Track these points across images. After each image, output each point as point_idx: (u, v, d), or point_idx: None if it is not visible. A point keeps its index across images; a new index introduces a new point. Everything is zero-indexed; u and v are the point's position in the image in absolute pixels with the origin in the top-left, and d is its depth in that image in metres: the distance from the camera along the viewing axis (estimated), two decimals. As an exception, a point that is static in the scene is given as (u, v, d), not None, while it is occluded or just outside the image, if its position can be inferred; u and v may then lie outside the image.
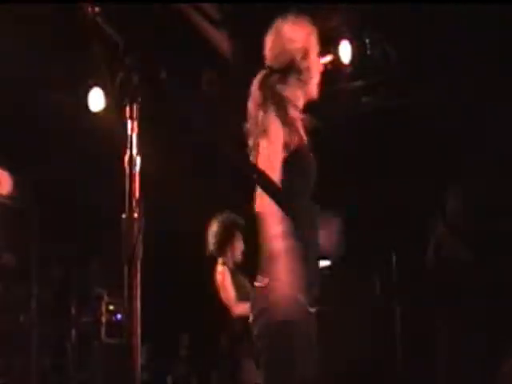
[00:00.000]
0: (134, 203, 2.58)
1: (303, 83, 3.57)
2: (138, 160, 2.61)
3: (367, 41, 7.69)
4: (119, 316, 8.26)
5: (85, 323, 8.23)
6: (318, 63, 3.64)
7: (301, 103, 3.61)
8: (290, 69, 3.54)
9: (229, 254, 6.48)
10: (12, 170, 7.87)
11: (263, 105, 3.49)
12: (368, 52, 7.70)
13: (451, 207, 7.34)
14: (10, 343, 7.69)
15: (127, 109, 2.63)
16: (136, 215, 2.58)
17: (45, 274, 8.41)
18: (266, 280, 3.31)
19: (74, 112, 8.49)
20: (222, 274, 6.38)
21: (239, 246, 6.53)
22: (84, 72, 7.80)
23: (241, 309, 6.28)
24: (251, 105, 3.58)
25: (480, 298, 6.87)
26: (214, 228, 6.53)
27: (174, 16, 6.66)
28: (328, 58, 7.43)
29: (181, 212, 8.47)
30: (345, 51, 7.65)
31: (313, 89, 3.62)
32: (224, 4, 7.16)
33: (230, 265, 6.48)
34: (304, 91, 3.60)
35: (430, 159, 7.85)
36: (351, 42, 7.66)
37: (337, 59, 7.65)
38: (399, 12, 7.06)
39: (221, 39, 7.24)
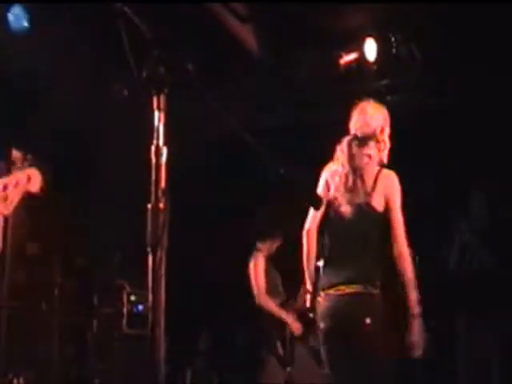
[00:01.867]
0: (160, 193, 2.60)
1: (379, 150, 4.67)
2: (165, 150, 2.64)
3: (393, 39, 7.67)
4: (140, 307, 8.29)
5: (106, 313, 8.26)
6: (388, 139, 4.77)
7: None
8: (370, 138, 4.63)
9: (267, 244, 6.50)
10: (35, 158, 7.94)
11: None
12: (393, 51, 7.68)
13: (475, 210, 7.32)
14: (32, 331, 7.75)
15: (154, 99, 2.66)
16: (162, 205, 2.60)
17: (68, 262, 8.47)
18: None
19: (97, 102, 8.56)
20: (257, 261, 6.41)
21: (279, 241, 6.57)
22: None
23: (266, 301, 6.31)
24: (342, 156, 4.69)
25: (502, 304, 6.87)
26: (267, 213, 6.57)
27: (202, 11, 6.69)
28: (353, 56, 7.47)
29: (208, 205, 8.49)
30: (370, 49, 7.64)
31: (385, 155, 4.74)
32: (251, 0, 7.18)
33: (265, 253, 6.50)
34: (379, 157, 4.67)
35: (455, 160, 7.81)
36: (376, 40, 7.64)
37: (362, 57, 7.64)
38: (425, 10, 7.05)
39: (247, 35, 7.26)
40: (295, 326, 6.35)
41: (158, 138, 2.64)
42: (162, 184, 2.62)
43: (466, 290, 7.36)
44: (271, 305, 6.38)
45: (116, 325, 8.18)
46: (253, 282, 6.43)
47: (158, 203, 2.60)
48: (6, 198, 3.30)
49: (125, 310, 8.10)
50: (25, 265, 7.79)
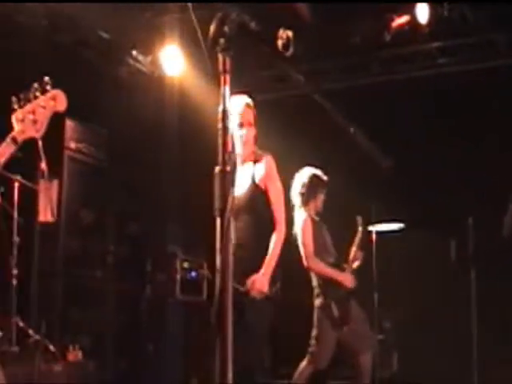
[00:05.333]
0: (226, 156, 2.59)
1: None
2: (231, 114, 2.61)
3: (445, 2, 7.57)
4: (194, 273, 8.33)
5: (159, 280, 8.31)
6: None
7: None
8: None
9: (311, 206, 6.47)
10: (89, 126, 8.01)
11: None
12: (445, 13, 7.57)
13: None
14: (87, 298, 7.82)
15: (220, 62, 2.64)
16: (228, 169, 2.59)
17: (121, 230, 8.52)
18: None
19: (150, 70, 8.61)
20: (306, 222, 6.38)
21: (322, 198, 6.53)
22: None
23: (316, 263, 6.29)
24: None
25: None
26: (300, 180, 6.53)
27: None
28: (405, 19, 7.37)
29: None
30: (422, 12, 7.55)
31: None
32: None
33: (313, 215, 6.47)
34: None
35: (508, 126, 7.71)
36: (429, 3, 7.55)
37: (414, 20, 7.56)
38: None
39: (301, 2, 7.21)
40: (347, 280, 6.31)
41: (224, 102, 2.61)
42: (229, 147, 2.60)
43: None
44: (321, 266, 6.34)
45: (169, 291, 8.22)
46: (300, 245, 6.40)
47: (225, 166, 2.59)
48: (36, 122, 3.30)
49: (178, 277, 8.14)
50: (79, 232, 7.84)
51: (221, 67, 2.63)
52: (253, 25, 2.71)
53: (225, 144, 2.59)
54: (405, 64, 8.44)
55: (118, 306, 8.32)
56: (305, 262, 6.30)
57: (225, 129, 2.59)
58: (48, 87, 3.34)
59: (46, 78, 3.34)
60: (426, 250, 8.11)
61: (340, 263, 6.43)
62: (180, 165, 8.84)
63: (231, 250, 2.57)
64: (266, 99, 8.06)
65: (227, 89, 2.62)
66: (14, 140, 3.26)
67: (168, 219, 8.83)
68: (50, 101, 3.33)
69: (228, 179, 2.58)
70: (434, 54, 8.29)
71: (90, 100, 7.62)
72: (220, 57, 2.62)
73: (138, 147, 8.57)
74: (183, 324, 8.51)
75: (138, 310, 8.38)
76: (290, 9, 7.04)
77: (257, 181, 4.69)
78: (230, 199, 2.57)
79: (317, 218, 6.49)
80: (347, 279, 6.31)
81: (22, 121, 3.29)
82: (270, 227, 4.66)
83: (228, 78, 2.63)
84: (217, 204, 2.58)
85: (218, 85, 2.64)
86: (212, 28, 2.64)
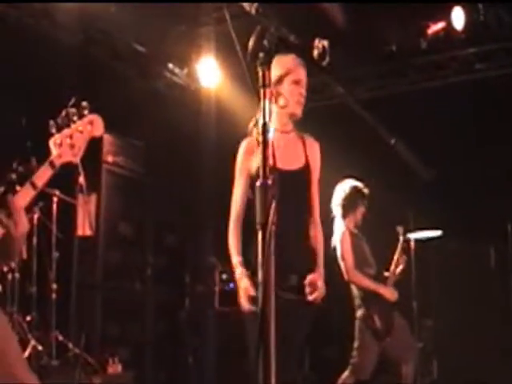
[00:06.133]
0: (267, 170, 2.58)
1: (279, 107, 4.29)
2: (272, 127, 2.60)
3: (480, 6, 7.52)
4: (232, 285, 8.33)
5: (198, 292, 8.33)
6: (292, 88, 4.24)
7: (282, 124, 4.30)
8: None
9: (351, 218, 6.45)
10: (126, 140, 8.05)
11: None
12: (481, 18, 7.52)
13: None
14: (126, 310, 7.85)
15: (260, 76, 2.63)
16: (270, 182, 2.58)
17: (160, 242, 8.55)
18: None
19: (186, 82, 8.64)
20: (344, 235, 6.36)
21: (362, 211, 6.51)
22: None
23: (356, 277, 6.26)
24: None
25: None
26: (340, 191, 6.52)
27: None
28: (440, 25, 7.33)
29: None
30: (458, 17, 7.51)
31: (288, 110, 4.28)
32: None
33: (352, 228, 6.45)
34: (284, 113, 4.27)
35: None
36: (464, 8, 7.51)
37: (450, 26, 7.52)
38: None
39: (335, 10, 7.20)
40: (389, 294, 6.28)
41: (264, 115, 2.61)
42: (270, 161, 2.59)
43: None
44: (361, 279, 6.32)
45: (208, 303, 8.23)
46: (340, 259, 6.38)
47: (266, 180, 2.58)
48: (73, 146, 3.30)
49: (217, 289, 8.15)
50: (118, 245, 7.88)
51: (261, 81, 2.62)
52: (292, 38, 2.71)
53: (266, 157, 2.58)
54: (441, 70, 8.39)
55: (157, 318, 8.35)
56: (345, 275, 6.28)
57: (265, 142, 2.58)
58: (85, 112, 3.35)
59: (84, 103, 3.35)
60: (466, 258, 8.04)
61: (381, 273, 6.40)
62: (217, 176, 8.84)
63: (273, 263, 2.56)
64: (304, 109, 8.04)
65: (267, 103, 2.62)
66: (52, 164, 3.25)
67: (206, 231, 8.83)
68: (88, 125, 3.34)
69: (270, 193, 2.57)
70: (470, 60, 8.23)
71: (127, 113, 7.66)
72: (260, 71, 2.63)
73: (175, 160, 8.60)
74: (222, 336, 8.51)
75: (177, 322, 8.40)
76: (325, 16, 7.04)
77: (310, 162, 4.34)
78: (271, 213, 2.57)
79: (355, 231, 6.46)
80: (388, 292, 6.27)
81: (60, 145, 3.29)
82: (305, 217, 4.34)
83: (268, 91, 2.62)
84: (258, 218, 2.57)
85: (256, 98, 2.64)
86: (251, 42, 2.64)
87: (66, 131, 3.31)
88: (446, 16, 7.46)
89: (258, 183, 2.57)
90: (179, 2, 7.29)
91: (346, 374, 6.25)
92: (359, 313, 6.27)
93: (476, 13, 7.51)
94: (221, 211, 8.89)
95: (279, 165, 4.00)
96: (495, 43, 8.00)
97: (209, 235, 8.81)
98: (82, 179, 6.35)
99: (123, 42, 8.01)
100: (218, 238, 8.82)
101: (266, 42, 2.62)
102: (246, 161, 4.28)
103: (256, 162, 4.05)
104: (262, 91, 2.62)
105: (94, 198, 7.55)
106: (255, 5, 2.66)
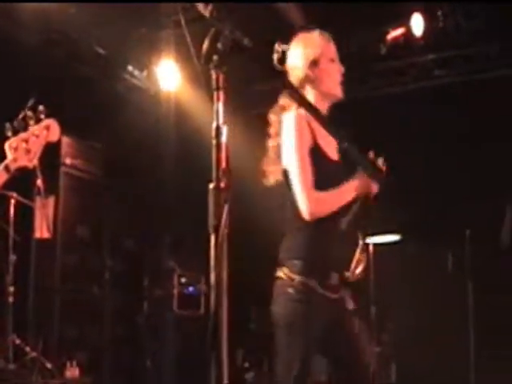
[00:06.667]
0: (220, 173, 2.58)
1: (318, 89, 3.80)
2: (225, 130, 2.61)
3: (439, 13, 7.59)
4: (191, 289, 8.33)
5: (157, 295, 8.32)
6: (330, 67, 3.81)
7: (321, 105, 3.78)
8: (301, 80, 3.77)
9: None
10: (85, 142, 8.01)
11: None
12: (440, 25, 7.60)
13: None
14: (84, 314, 7.81)
15: (213, 79, 2.64)
16: (223, 185, 2.58)
17: (118, 245, 8.51)
18: None
19: (145, 85, 8.61)
20: None
21: None
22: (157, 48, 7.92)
23: None
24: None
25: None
26: None
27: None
28: (400, 31, 7.38)
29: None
30: (417, 24, 7.57)
31: (329, 90, 3.82)
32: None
33: None
34: (322, 94, 3.78)
35: (505, 135, 7.70)
36: (423, 15, 7.57)
37: (409, 32, 7.58)
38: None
39: (292, 10, 7.21)
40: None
41: (217, 118, 2.61)
42: (223, 164, 2.59)
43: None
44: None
45: (167, 307, 8.22)
46: None
47: (219, 183, 2.58)
48: (29, 151, 3.31)
49: (175, 292, 8.13)
50: (76, 248, 7.83)
51: (214, 84, 2.63)
52: (246, 41, 2.71)
53: (219, 160, 2.58)
54: (401, 76, 8.44)
55: (116, 322, 8.30)
56: None
57: (219, 145, 2.59)
58: (42, 116, 3.34)
59: (41, 107, 3.33)
60: (424, 262, 8.09)
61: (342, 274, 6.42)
62: (176, 180, 8.83)
63: (225, 266, 2.57)
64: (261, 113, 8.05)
65: (220, 105, 2.63)
66: (7, 168, 3.25)
67: (165, 234, 8.82)
68: (44, 130, 3.33)
69: (222, 196, 2.57)
70: (429, 66, 8.30)
71: (86, 115, 7.63)
72: (213, 73, 2.63)
73: (135, 162, 8.57)
74: (181, 339, 8.49)
75: (136, 326, 8.36)
76: (283, 18, 7.05)
77: None
78: (224, 216, 2.57)
79: None
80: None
81: (16, 149, 3.28)
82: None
83: (221, 94, 2.63)
84: (210, 221, 2.57)
85: (212, 101, 2.64)
86: (205, 44, 2.64)
87: (22, 135, 3.31)
88: (406, 22, 7.52)
89: (210, 186, 2.58)
90: (144, 3, 7.29)
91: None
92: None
93: (435, 19, 7.58)
94: (180, 215, 8.93)
95: (329, 155, 3.74)
96: (454, 50, 8.08)
97: (167, 238, 8.80)
98: (39, 181, 6.32)
99: (84, 44, 7.97)
100: (177, 242, 8.85)
101: (220, 45, 2.63)
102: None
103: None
104: (215, 94, 2.63)
105: (52, 200, 7.49)
106: (209, 8, 2.66)
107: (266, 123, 3.80)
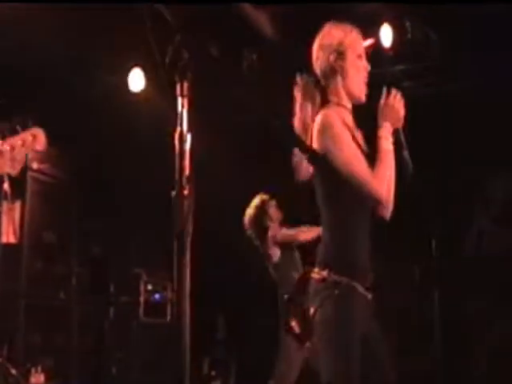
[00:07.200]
0: (184, 180, 2.58)
1: (342, 83, 3.70)
2: (189, 137, 2.61)
3: (408, 24, 7.62)
4: (157, 296, 8.31)
5: (123, 302, 8.29)
6: (357, 63, 3.75)
7: (346, 102, 3.74)
8: (326, 71, 3.69)
9: (272, 231, 6.53)
10: (52, 147, 7.96)
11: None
12: (409, 36, 7.63)
13: (493, 197, 7.28)
14: (50, 319, 7.76)
15: (178, 86, 2.64)
16: (186, 192, 2.58)
17: (85, 251, 8.48)
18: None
19: (115, 91, 8.57)
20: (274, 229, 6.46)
21: (276, 218, 6.60)
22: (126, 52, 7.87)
23: (305, 235, 6.33)
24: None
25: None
26: (248, 218, 6.62)
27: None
28: (368, 42, 7.43)
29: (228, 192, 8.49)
30: (386, 35, 7.59)
31: (354, 87, 3.76)
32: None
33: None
34: (346, 90, 3.72)
35: (472, 147, 7.75)
36: (392, 26, 7.60)
37: (378, 43, 7.61)
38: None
39: (262, 20, 7.22)
40: None
41: (181, 125, 2.61)
42: (186, 171, 2.59)
43: (482, 276, 7.34)
44: (307, 232, 6.40)
45: (133, 314, 8.19)
46: (281, 237, 6.52)
47: (183, 190, 2.58)
48: (13, 159, 3.27)
49: (142, 299, 8.11)
50: (42, 253, 7.78)
51: (178, 91, 2.63)
52: (213, 49, 2.72)
53: (182, 168, 2.58)
54: (369, 87, 8.46)
55: (82, 328, 8.25)
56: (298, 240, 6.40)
57: (182, 152, 2.59)
58: (29, 123, 3.32)
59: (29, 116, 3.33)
60: (390, 274, 8.13)
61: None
62: (144, 185, 8.80)
63: (188, 274, 2.56)
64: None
65: (185, 112, 2.63)
66: None
67: (132, 240, 8.79)
68: (30, 138, 3.30)
69: (185, 203, 2.57)
70: (398, 78, 8.33)
71: (54, 120, 7.58)
72: (177, 80, 2.63)
73: (101, 168, 8.54)
74: (147, 346, 8.46)
75: (102, 332, 8.32)
76: (253, 27, 7.06)
77: None
78: (188, 223, 2.57)
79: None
80: None
81: (1, 155, 3.26)
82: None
83: (186, 101, 2.63)
84: (174, 227, 2.57)
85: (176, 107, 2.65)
86: (169, 51, 2.65)
87: (9, 141, 3.30)
88: (375, 33, 7.54)
89: (172, 193, 2.58)
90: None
91: (270, 383, 6.28)
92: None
93: (404, 31, 7.61)
94: (146, 221, 8.90)
95: (363, 148, 3.67)
96: (422, 61, 8.12)
97: (134, 245, 8.77)
98: (6, 186, 6.29)
99: (54, 48, 7.92)
100: (144, 248, 8.83)
101: (184, 53, 2.63)
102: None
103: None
104: (179, 101, 2.63)
105: (18, 205, 7.45)
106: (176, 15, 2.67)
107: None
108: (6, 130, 3.33)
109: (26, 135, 3.29)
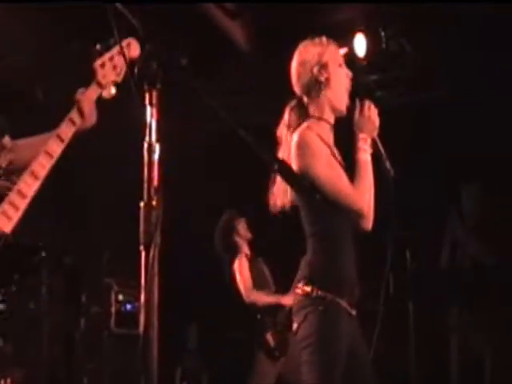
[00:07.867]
0: (152, 191, 2.56)
1: (326, 96, 3.74)
2: (158, 147, 2.59)
3: (382, 34, 7.64)
4: (129, 306, 8.26)
5: (94, 312, 8.22)
6: (339, 72, 3.81)
7: (328, 116, 3.79)
8: (309, 86, 3.75)
9: (243, 246, 6.50)
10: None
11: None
12: (383, 45, 7.65)
13: (467, 207, 7.29)
14: (20, 330, 7.68)
15: (146, 95, 2.63)
16: (155, 203, 2.55)
17: (56, 261, 8.40)
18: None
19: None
20: (240, 261, 6.40)
21: (245, 236, 6.57)
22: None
23: (256, 296, 6.28)
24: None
25: (494, 299, 6.84)
26: (216, 232, 6.63)
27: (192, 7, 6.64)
28: (342, 51, 7.44)
29: (196, 204, 8.47)
30: (360, 44, 7.61)
31: (337, 99, 3.79)
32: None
33: (247, 252, 6.50)
34: (329, 104, 3.77)
35: (446, 157, 7.76)
36: (366, 35, 7.62)
37: (351, 52, 7.63)
38: (415, 5, 7.02)
39: (236, 30, 7.22)
40: (291, 300, 6.29)
41: (150, 135, 2.59)
42: (155, 181, 2.57)
43: (458, 287, 7.34)
44: (258, 296, 6.34)
45: (104, 324, 8.13)
46: (239, 282, 6.41)
47: (151, 201, 2.56)
48: (115, 67, 3.69)
49: (113, 310, 8.06)
50: (12, 263, 7.70)
51: (147, 100, 2.61)
52: (183, 60, 2.70)
53: (150, 179, 2.56)
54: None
55: (52, 338, 8.17)
56: (244, 297, 6.30)
57: (151, 163, 2.57)
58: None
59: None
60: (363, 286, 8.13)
61: (279, 291, 6.44)
62: (113, 195, 8.75)
63: (156, 285, 2.54)
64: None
65: (153, 122, 2.61)
66: (99, 84, 3.69)
67: (103, 250, 8.73)
68: (125, 48, 3.55)
69: (154, 214, 2.55)
70: (371, 87, 8.34)
71: (25, 128, 7.51)
72: (146, 90, 2.61)
73: (70, 177, 8.48)
74: (118, 357, 8.40)
75: (73, 343, 8.25)
76: (226, 37, 7.06)
77: None
78: (156, 234, 2.55)
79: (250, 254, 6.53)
80: (289, 299, 6.29)
81: (103, 67, 3.66)
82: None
83: (154, 111, 2.61)
84: (142, 239, 2.55)
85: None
86: (139, 61, 2.63)
87: (107, 54, 3.68)
88: (349, 42, 7.56)
89: (141, 204, 2.56)
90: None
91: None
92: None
93: (378, 40, 7.62)
94: (119, 231, 8.84)
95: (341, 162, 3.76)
96: (396, 71, 8.14)
97: (105, 255, 8.71)
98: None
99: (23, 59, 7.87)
100: (115, 259, 8.76)
101: (153, 63, 2.61)
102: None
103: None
104: (148, 111, 2.61)
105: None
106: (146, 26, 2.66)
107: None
108: (101, 48, 3.68)
109: (123, 44, 3.52)
